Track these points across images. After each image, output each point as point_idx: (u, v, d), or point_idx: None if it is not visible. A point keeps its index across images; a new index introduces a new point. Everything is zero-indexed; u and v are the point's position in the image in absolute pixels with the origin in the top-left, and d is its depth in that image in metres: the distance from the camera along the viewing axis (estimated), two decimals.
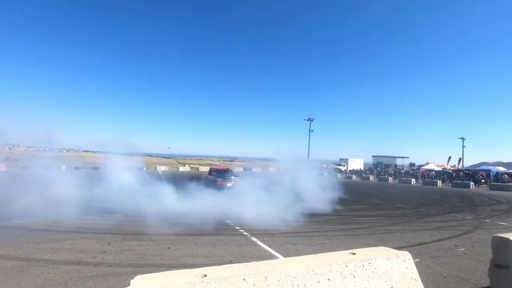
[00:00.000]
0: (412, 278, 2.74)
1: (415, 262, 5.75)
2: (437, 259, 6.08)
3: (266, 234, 7.86)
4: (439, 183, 29.67)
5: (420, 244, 7.23)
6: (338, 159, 57.33)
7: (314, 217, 10.77)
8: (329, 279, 2.38)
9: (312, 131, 55.81)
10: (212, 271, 2.21)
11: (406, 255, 2.88)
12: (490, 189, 25.24)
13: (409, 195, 19.66)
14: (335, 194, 19.12)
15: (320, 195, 18.19)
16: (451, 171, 35.91)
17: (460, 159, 53.75)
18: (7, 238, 6.95)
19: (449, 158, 51.85)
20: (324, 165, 55.08)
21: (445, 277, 5.14)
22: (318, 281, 2.34)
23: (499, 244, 3.71)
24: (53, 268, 5.03)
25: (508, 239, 3.60)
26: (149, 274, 2.20)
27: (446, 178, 32.44)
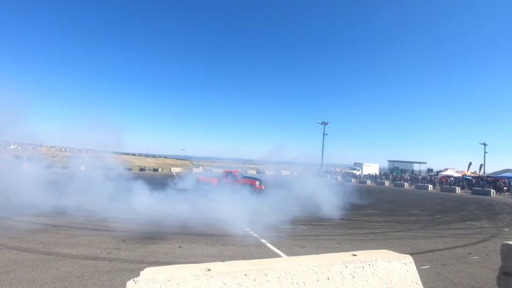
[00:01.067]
0: (412, 281, 2.77)
1: (425, 269, 5.78)
2: (448, 267, 5.98)
3: (275, 236, 7.93)
4: (458, 189, 28.70)
5: (432, 251, 7.12)
6: (352, 163, 56.56)
7: (325, 221, 10.75)
8: (328, 278, 2.46)
9: (326, 134, 55.49)
10: (216, 266, 2.35)
11: (407, 259, 2.91)
12: None
13: (425, 201, 19.17)
14: (347, 199, 18.97)
15: (331, 199, 18.09)
16: (471, 178, 34.67)
17: (481, 165, 51.86)
18: (30, 233, 7.36)
19: (470, 164, 50.08)
20: (338, 170, 54.49)
21: (455, 284, 5.07)
22: (317, 280, 2.42)
23: (508, 252, 3.66)
24: (72, 262, 5.32)
25: None
26: (158, 267, 2.36)
27: (465, 185, 31.34)
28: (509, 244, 3.67)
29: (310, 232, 8.79)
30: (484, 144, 55.32)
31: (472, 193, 27.15)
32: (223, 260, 5.71)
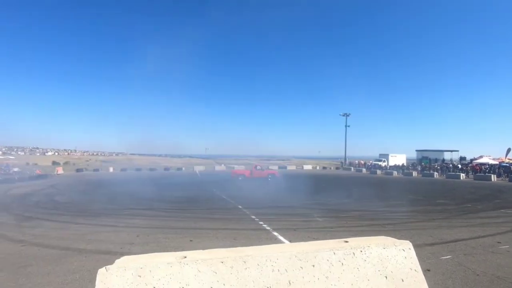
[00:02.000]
0: (411, 269, 2.55)
1: (445, 259, 5.40)
2: (472, 256, 5.55)
3: (288, 229, 7.80)
4: (494, 177, 26.80)
5: (455, 241, 6.65)
6: (378, 155, 54.64)
7: (342, 212, 10.45)
8: (313, 266, 2.32)
9: (349, 126, 54.13)
10: (193, 254, 2.28)
11: (406, 244, 2.69)
12: None
13: (455, 190, 18.08)
14: (368, 190, 18.36)
15: (351, 191, 17.60)
16: (508, 165, 32.23)
17: None
18: (53, 230, 7.78)
19: (508, 150, 46.51)
20: (362, 162, 52.91)
21: (477, 275, 4.68)
22: (301, 267, 2.29)
23: None
24: (85, 257, 5.53)
25: None
26: (135, 255, 2.34)
27: (502, 172, 29.21)
28: None
29: (326, 224, 8.56)
30: None
31: (510, 181, 25.24)
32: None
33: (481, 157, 44.46)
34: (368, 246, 2.54)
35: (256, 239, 6.81)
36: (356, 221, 9.01)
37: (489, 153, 46.39)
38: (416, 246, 6.34)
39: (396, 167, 43.11)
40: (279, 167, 51.78)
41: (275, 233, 7.36)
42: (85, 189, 19.03)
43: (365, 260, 2.46)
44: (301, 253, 2.36)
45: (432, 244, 6.38)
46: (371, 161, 51.87)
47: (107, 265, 2.12)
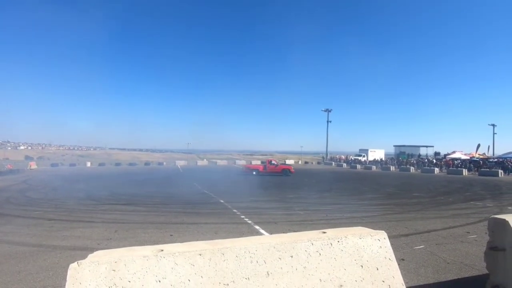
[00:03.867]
0: (385, 258, 2.63)
1: (418, 249, 5.64)
2: (443, 246, 5.82)
3: (269, 222, 7.86)
4: (465, 171, 28.22)
5: (429, 232, 6.95)
6: (358, 150, 56.03)
7: (323, 206, 10.65)
8: (291, 256, 2.34)
9: (330, 122, 55.03)
10: (170, 247, 2.24)
11: (381, 234, 2.77)
12: None
13: (430, 184, 18.87)
14: (349, 184, 18.84)
15: (333, 185, 17.99)
16: (478, 159, 34.01)
17: (489, 146, 50.86)
18: (25, 227, 7.43)
19: (478, 146, 49.07)
20: (343, 157, 54.10)
21: (448, 263, 4.92)
22: (279, 258, 2.30)
23: (495, 225, 3.49)
24: (60, 253, 5.33)
25: (505, 220, 3.37)
26: (110, 250, 2.27)
27: (472, 167, 30.79)
28: (496, 218, 3.50)
29: (307, 217, 8.70)
30: (493, 125, 54.21)
31: (480, 175, 26.66)
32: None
33: (454, 152, 46.59)
34: (345, 237, 2.59)
35: (238, 233, 6.81)
36: (336, 213, 9.21)
37: (461, 149, 48.75)
38: (392, 237, 6.58)
39: (375, 162, 44.42)
40: (262, 162, 52.03)
41: (257, 227, 7.40)
42: (60, 185, 18.29)
43: (342, 250, 2.51)
44: (279, 244, 2.37)
45: (407, 235, 6.64)
46: (351, 156, 53.14)
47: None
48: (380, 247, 2.68)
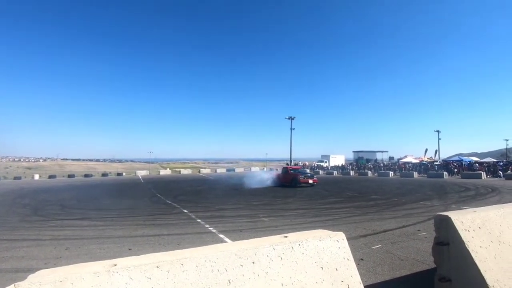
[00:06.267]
0: (344, 258, 2.73)
1: (376, 248, 5.93)
2: (398, 244, 6.20)
3: (234, 230, 7.78)
4: (415, 174, 30.61)
5: (385, 231, 7.37)
6: (320, 156, 58.13)
7: (287, 211, 10.81)
8: (253, 263, 2.32)
9: (294, 129, 56.30)
10: (124, 261, 2.10)
11: (339, 236, 2.87)
12: (462, 178, 26.29)
13: (385, 187, 20.13)
14: (310, 190, 19.39)
15: (296, 191, 18.39)
16: (426, 163, 37.12)
17: (436, 151, 55.80)
18: None
19: (426, 150, 53.69)
20: (307, 163, 55.75)
21: (402, 260, 5.24)
22: (241, 265, 2.27)
23: (440, 222, 3.79)
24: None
25: (448, 216, 3.68)
26: (54, 268, 2.07)
27: (422, 170, 33.49)
28: (441, 215, 3.80)
29: (272, 223, 8.74)
30: (438, 131, 59.51)
31: (428, 177, 29.07)
32: None
33: (405, 156, 50.47)
34: (306, 240, 2.64)
35: (201, 243, 6.62)
36: (300, 218, 9.39)
37: (412, 153, 52.91)
38: (352, 238, 6.88)
39: (336, 167, 46.37)
40: (227, 170, 51.69)
41: (221, 235, 7.28)
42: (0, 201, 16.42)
43: (303, 253, 2.55)
44: (241, 250, 2.35)
45: (365, 236, 6.97)
46: (314, 162, 54.97)
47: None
48: (339, 248, 2.78)
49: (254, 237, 6.99)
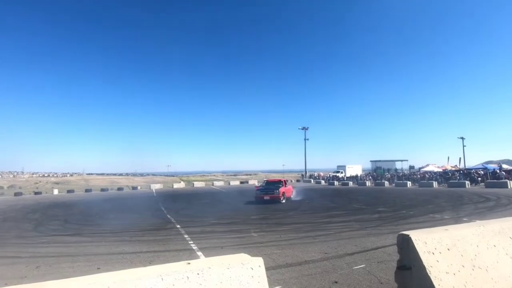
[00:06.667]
0: None
1: (357, 269, 5.36)
2: (384, 264, 5.59)
3: (215, 247, 7.40)
4: (435, 184, 28.85)
5: (376, 248, 6.73)
6: (336, 166, 56.58)
7: (281, 226, 10.30)
8: None
9: (308, 139, 55.54)
10: None
11: (256, 262, 2.46)
12: (485, 187, 24.42)
13: (398, 198, 18.98)
14: (319, 201, 18.63)
15: (301, 203, 17.71)
16: (448, 171, 35.04)
17: (460, 158, 52.77)
18: None
19: (448, 158, 51.03)
20: (322, 174, 54.38)
21: (381, 283, 4.66)
22: None
23: (403, 243, 3.28)
24: None
25: (409, 236, 3.18)
26: None
27: (442, 179, 31.58)
28: (403, 235, 3.29)
29: (259, 239, 8.28)
30: (462, 138, 56.50)
31: (449, 186, 27.28)
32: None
33: (427, 165, 48.01)
34: (209, 268, 2.27)
35: (175, 261, 6.29)
36: (291, 234, 8.86)
37: (434, 162, 50.36)
38: (336, 257, 6.30)
39: (352, 178, 44.82)
40: (241, 182, 51.34)
41: (199, 253, 6.93)
42: (11, 216, 16.94)
43: (201, 284, 2.18)
44: (117, 282, 2.01)
45: (352, 254, 6.37)
46: (330, 173, 53.48)
47: None
48: (252, 276, 2.37)
49: (228, 253, 6.59)
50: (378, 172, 49.78)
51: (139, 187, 43.16)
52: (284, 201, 18.19)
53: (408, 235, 3.22)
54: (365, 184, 36.99)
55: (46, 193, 38.56)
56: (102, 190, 39.93)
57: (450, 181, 28.85)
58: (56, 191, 37.91)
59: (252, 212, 14.31)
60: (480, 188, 24.60)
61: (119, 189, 42.07)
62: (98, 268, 6.00)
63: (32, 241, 9.38)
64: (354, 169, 52.78)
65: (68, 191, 38.32)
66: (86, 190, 39.41)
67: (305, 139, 55.47)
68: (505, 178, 26.34)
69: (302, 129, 55.88)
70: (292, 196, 20.69)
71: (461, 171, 33.46)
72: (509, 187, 23.05)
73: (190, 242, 8.12)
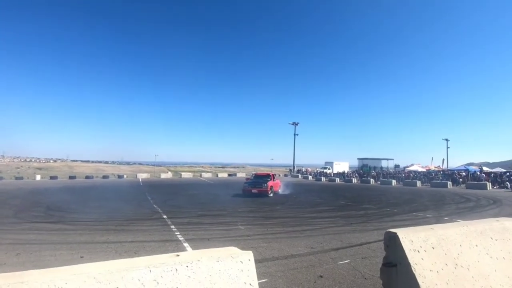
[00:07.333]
0: (245, 283, 2.31)
1: (342, 264, 5.44)
2: (368, 260, 5.71)
3: (202, 239, 7.38)
4: (419, 183, 29.63)
5: (361, 244, 6.86)
6: (323, 162, 57.28)
7: (269, 219, 10.36)
8: None
9: (297, 135, 55.78)
10: None
11: (245, 256, 2.45)
12: (466, 188, 25.25)
13: (383, 196, 19.39)
14: (306, 197, 18.83)
15: (288, 198, 17.86)
16: (431, 171, 36.02)
17: (443, 159, 54.33)
18: None
19: (432, 159, 52.43)
20: (309, 169, 54.96)
21: (365, 278, 4.75)
22: None
23: (389, 240, 3.33)
24: None
25: (396, 234, 3.22)
26: None
27: (426, 179, 32.45)
28: (390, 232, 3.33)
29: (246, 232, 8.30)
30: (446, 140, 58.04)
31: (432, 186, 28.08)
32: None
33: (412, 165, 49.21)
34: (198, 260, 2.23)
35: (161, 251, 6.24)
36: (278, 227, 8.92)
37: (419, 161, 51.64)
38: (322, 251, 6.38)
39: (339, 174, 45.49)
40: (229, 175, 51.32)
41: (186, 244, 6.89)
42: None
43: (189, 277, 2.15)
44: (104, 273, 1.95)
45: (337, 249, 6.47)
46: (317, 169, 54.12)
47: None
48: (241, 270, 2.36)
49: (217, 246, 6.59)
50: (364, 169, 50.64)
51: (125, 176, 42.48)
52: (271, 195, 18.35)
53: (395, 233, 3.27)
54: (351, 181, 37.63)
55: (28, 178, 37.44)
56: (87, 177, 39.07)
57: (433, 181, 29.69)
58: (38, 177, 36.86)
59: (240, 205, 14.34)
60: (461, 189, 25.42)
61: (105, 177, 41.30)
62: (81, 257, 5.89)
63: (12, 227, 9.10)
64: (341, 166, 53.58)
65: (51, 177, 37.33)
66: (70, 177, 38.52)
67: (294, 134, 55.74)
68: (485, 180, 27.32)
69: (292, 124, 56.07)
70: (279, 191, 20.94)
71: (444, 172, 34.44)
72: (488, 188, 23.93)
73: (176, 233, 8.06)
